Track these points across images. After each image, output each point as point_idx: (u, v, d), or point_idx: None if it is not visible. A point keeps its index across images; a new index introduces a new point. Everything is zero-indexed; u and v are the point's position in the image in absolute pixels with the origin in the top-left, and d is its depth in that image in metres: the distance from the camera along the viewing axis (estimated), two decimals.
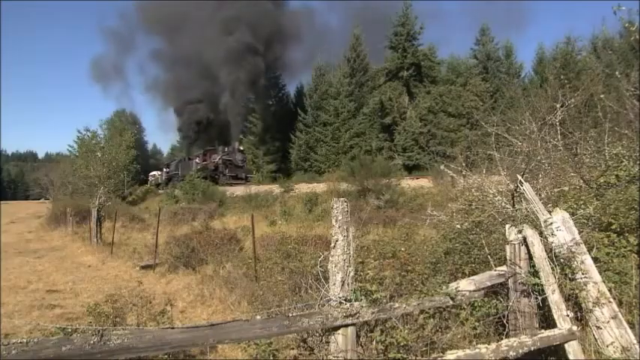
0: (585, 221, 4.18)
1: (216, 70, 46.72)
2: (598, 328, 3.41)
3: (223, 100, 50.33)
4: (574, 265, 3.53)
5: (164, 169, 53.35)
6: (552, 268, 3.52)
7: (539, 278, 3.49)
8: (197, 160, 44.24)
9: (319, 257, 3.48)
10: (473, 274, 3.97)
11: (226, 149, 44.14)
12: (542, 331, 3.40)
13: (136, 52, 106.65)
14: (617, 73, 5.81)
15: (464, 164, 6.34)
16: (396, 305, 3.26)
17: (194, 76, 50.81)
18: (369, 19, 48.26)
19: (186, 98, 52.81)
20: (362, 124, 40.63)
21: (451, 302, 3.51)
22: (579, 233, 3.74)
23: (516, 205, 4.27)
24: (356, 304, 3.08)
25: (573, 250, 3.58)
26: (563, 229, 3.69)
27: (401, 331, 3.36)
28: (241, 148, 44.53)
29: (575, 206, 4.30)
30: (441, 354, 3.14)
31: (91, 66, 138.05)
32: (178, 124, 58.40)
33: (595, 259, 3.70)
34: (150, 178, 59.40)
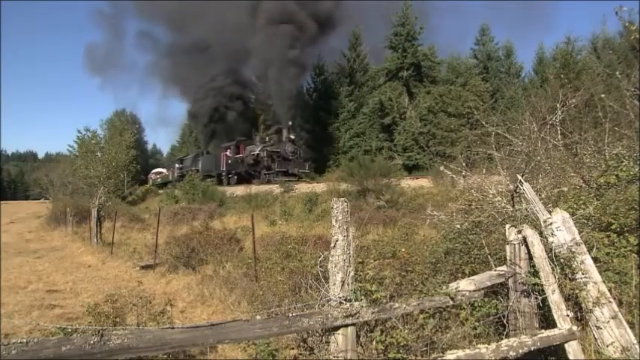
0: (585, 221, 4.18)
1: (247, 51, 40.66)
2: (598, 328, 3.41)
3: (259, 84, 44.35)
4: (574, 265, 3.53)
5: (176, 165, 47.19)
6: (552, 268, 3.52)
7: (539, 278, 3.50)
8: (227, 153, 37.03)
9: (319, 257, 3.48)
10: (473, 274, 3.97)
11: (267, 139, 36.37)
12: (542, 331, 3.40)
13: (137, 40, 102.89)
14: (617, 73, 5.81)
15: (464, 164, 6.34)
16: (396, 305, 3.26)
17: (213, 62, 44.94)
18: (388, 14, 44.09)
19: (203, 85, 46.05)
20: (362, 124, 40.58)
21: (451, 302, 3.51)
22: (579, 233, 3.74)
23: (516, 205, 4.27)
24: (356, 304, 3.08)
25: (573, 250, 3.59)
26: (563, 229, 3.69)
27: (401, 331, 3.36)
28: (292, 136, 35.29)
29: (575, 206, 4.30)
30: (441, 354, 3.14)
31: (84, 54, 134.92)
32: (194, 115, 50.70)
33: (595, 259, 3.70)
34: (152, 177, 55.61)
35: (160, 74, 60.73)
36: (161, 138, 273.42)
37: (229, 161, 36.78)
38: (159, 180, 52.05)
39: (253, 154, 34.88)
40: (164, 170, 55.78)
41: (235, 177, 35.88)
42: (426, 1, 38.67)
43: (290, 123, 35.96)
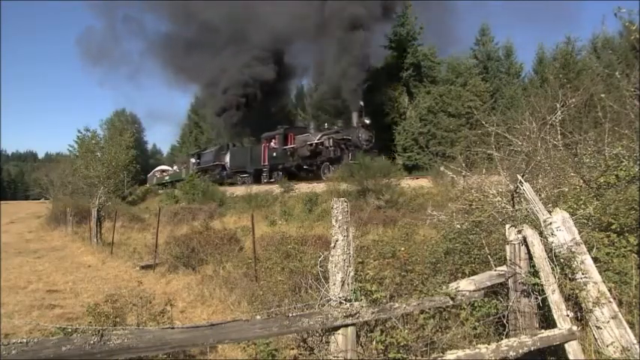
0: (585, 221, 4.18)
1: (293, 30, 35.20)
2: (598, 328, 3.41)
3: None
4: (574, 265, 3.53)
5: (192, 161, 41.93)
6: (552, 268, 3.52)
7: (539, 278, 3.50)
8: (272, 144, 31.09)
9: (319, 257, 3.48)
10: (473, 274, 3.97)
11: (326, 125, 29.84)
12: (542, 331, 3.41)
13: (135, 27, 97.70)
14: (617, 73, 5.81)
15: (464, 164, 6.34)
16: (396, 305, 3.26)
17: (242, 48, 38.62)
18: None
19: (229, 72, 39.55)
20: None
21: (451, 302, 3.51)
22: (579, 233, 3.74)
23: (516, 206, 4.27)
24: (356, 304, 3.08)
25: (573, 250, 3.59)
26: (563, 229, 3.69)
27: (401, 331, 3.37)
28: (367, 121, 27.77)
29: (575, 206, 4.30)
30: (441, 354, 3.14)
31: (78, 41, 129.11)
32: (222, 108, 42.92)
33: (595, 259, 3.70)
34: (157, 175, 51.38)
35: (165, 64, 57.13)
36: (155, 135, 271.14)
37: (274, 154, 30.58)
38: (166, 178, 46.44)
39: (310, 144, 28.08)
40: (169, 168, 52.03)
41: (281, 173, 30.29)
42: (446, 1, 36.58)
43: (362, 104, 28.92)
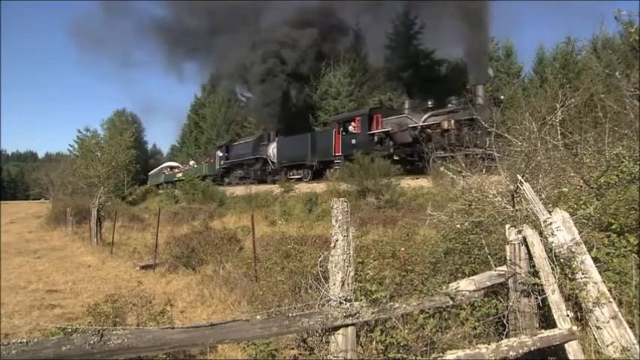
0: (585, 221, 4.18)
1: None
2: (598, 328, 3.41)
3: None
4: (574, 265, 3.53)
5: (218, 154, 35.53)
6: (552, 268, 3.52)
7: (539, 278, 3.50)
8: (351, 129, 24.04)
9: (319, 257, 3.48)
10: (473, 274, 3.97)
11: (430, 104, 22.14)
12: (542, 331, 3.41)
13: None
14: (617, 73, 5.82)
15: (463, 164, 6.34)
16: (396, 305, 3.26)
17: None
18: None
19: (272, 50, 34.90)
20: None
21: (451, 302, 3.51)
22: (579, 233, 3.74)
23: (516, 206, 4.27)
24: (356, 304, 3.08)
25: (573, 250, 3.59)
26: (563, 229, 3.69)
27: (401, 331, 3.37)
28: (502, 96, 21.13)
29: (575, 206, 4.30)
30: (441, 354, 3.14)
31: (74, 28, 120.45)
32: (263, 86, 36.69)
33: (595, 259, 3.70)
34: (165, 172, 46.59)
35: (169, 53, 55.33)
36: (155, 134, 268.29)
37: (353, 141, 23.39)
38: (179, 175, 40.15)
39: (414, 128, 21.24)
40: (179, 164, 47.70)
41: None
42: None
43: (491, 75, 22.23)
